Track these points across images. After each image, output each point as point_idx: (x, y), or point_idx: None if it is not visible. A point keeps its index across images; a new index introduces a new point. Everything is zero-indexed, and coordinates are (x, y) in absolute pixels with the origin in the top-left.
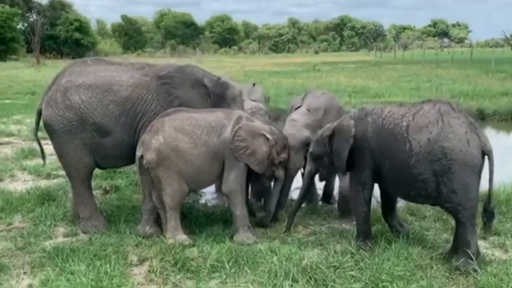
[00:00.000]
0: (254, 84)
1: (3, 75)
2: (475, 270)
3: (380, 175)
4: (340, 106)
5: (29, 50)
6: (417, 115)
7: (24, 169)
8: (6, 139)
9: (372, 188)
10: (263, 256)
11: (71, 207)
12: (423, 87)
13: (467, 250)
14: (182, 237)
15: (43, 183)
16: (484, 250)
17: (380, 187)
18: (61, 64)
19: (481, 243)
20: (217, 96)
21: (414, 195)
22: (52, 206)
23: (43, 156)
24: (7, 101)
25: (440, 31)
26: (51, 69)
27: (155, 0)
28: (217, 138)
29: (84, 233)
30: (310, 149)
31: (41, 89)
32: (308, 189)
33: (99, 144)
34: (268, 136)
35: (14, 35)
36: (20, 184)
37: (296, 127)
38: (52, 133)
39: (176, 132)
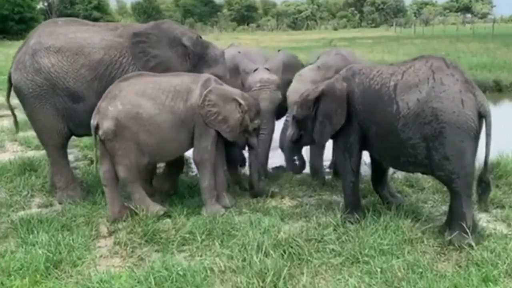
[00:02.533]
0: (279, 50)
1: None
2: (470, 245)
3: (367, 141)
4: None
5: None
6: (406, 73)
7: (15, 141)
8: (6, 112)
9: (359, 155)
10: (239, 229)
11: (48, 176)
12: None
13: (462, 223)
14: (154, 206)
15: (31, 153)
16: (485, 224)
17: (370, 154)
18: None
19: (483, 216)
20: (197, 56)
21: (404, 163)
22: (32, 176)
23: (16, 123)
24: None
25: (462, 6)
26: None
27: None
28: (183, 104)
29: (60, 203)
30: (294, 112)
31: None
32: (292, 153)
33: (72, 110)
34: (241, 101)
35: (34, 15)
36: (8, 155)
37: (302, 82)
38: (22, 98)
39: (137, 97)
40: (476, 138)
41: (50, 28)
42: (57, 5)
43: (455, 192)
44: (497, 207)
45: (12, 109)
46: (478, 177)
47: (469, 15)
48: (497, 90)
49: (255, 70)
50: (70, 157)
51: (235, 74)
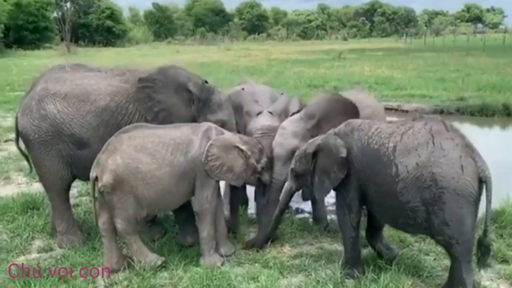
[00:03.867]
0: (282, 93)
1: (33, 65)
2: None
3: (367, 199)
4: (347, 113)
5: (63, 38)
6: (405, 135)
7: (21, 170)
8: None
9: (359, 211)
10: (235, 286)
11: (50, 219)
12: (449, 78)
13: None
14: (151, 257)
15: (35, 186)
16: (488, 282)
17: (367, 209)
18: (91, 52)
19: (484, 274)
20: (202, 101)
21: (403, 224)
22: (34, 216)
23: (30, 165)
24: None
25: (474, 16)
26: (80, 57)
27: None
28: (183, 157)
29: (60, 247)
30: (292, 165)
31: None
32: (285, 209)
33: (76, 156)
34: (242, 147)
35: (47, 24)
36: (13, 187)
37: (284, 135)
38: (27, 143)
39: (137, 152)
40: (476, 203)
41: (56, 74)
42: (71, 15)
43: (455, 258)
44: (502, 261)
45: (21, 150)
46: (478, 240)
47: (480, 25)
48: (506, 114)
49: (259, 113)
50: (74, 191)
51: (240, 113)
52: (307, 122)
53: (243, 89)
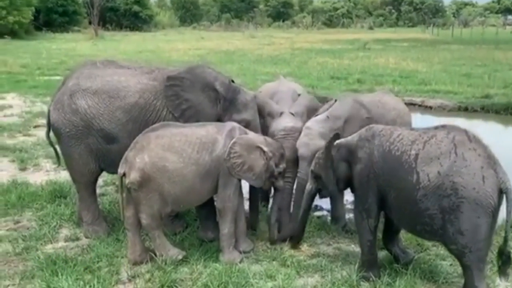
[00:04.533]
0: (299, 95)
1: (62, 48)
2: None
3: (386, 204)
4: (368, 116)
5: (91, 22)
6: (428, 143)
7: (49, 158)
8: (44, 121)
9: (378, 215)
10: (253, 283)
11: (76, 209)
12: (475, 74)
13: None
14: (174, 251)
15: (63, 174)
16: None
17: (385, 213)
18: (118, 36)
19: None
20: (228, 101)
21: (420, 230)
22: (61, 205)
23: (58, 157)
24: (57, 77)
25: (504, 8)
26: (107, 42)
27: None
28: (208, 155)
29: (86, 237)
30: (312, 167)
31: None
32: (309, 209)
33: (105, 151)
34: (265, 148)
35: (76, 8)
36: (41, 175)
37: (310, 135)
38: (58, 136)
39: (164, 151)
40: (494, 214)
41: (88, 70)
42: (98, 0)
43: (466, 267)
44: None
45: (52, 143)
46: (498, 249)
47: (510, 17)
48: None
49: (281, 114)
50: (99, 181)
51: (261, 114)
52: (333, 123)
53: (260, 92)
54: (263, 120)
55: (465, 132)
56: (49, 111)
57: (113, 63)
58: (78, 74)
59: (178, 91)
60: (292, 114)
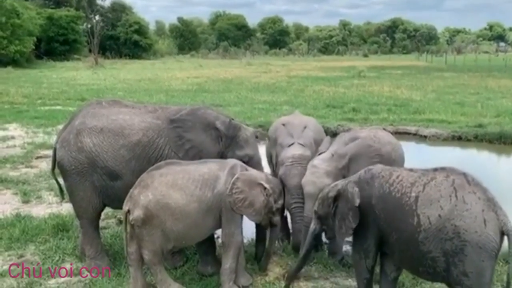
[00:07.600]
0: (305, 127)
1: (63, 77)
2: None
3: (387, 246)
4: (377, 154)
5: (91, 50)
6: (428, 186)
7: (52, 190)
8: (46, 152)
9: (375, 256)
10: None
11: (79, 243)
12: (468, 102)
13: None
14: (175, 286)
15: (65, 207)
16: None
17: (381, 258)
18: (118, 65)
19: None
20: (230, 138)
21: (423, 272)
22: (64, 238)
23: (61, 193)
24: (58, 107)
25: (496, 35)
26: (107, 70)
27: (211, 1)
28: (211, 192)
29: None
30: (315, 207)
31: (92, 95)
32: (311, 249)
33: (109, 187)
34: (266, 185)
35: (77, 37)
36: (44, 207)
37: (316, 174)
38: (64, 172)
39: (168, 188)
40: (497, 256)
41: (93, 110)
42: (99, 29)
43: None
44: None
45: (56, 179)
46: None
47: (502, 44)
48: None
49: (291, 145)
50: (102, 214)
51: (274, 145)
52: (338, 161)
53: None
54: (275, 149)
55: (464, 175)
56: (55, 148)
57: (118, 102)
58: (84, 113)
59: (181, 133)
60: (301, 144)
